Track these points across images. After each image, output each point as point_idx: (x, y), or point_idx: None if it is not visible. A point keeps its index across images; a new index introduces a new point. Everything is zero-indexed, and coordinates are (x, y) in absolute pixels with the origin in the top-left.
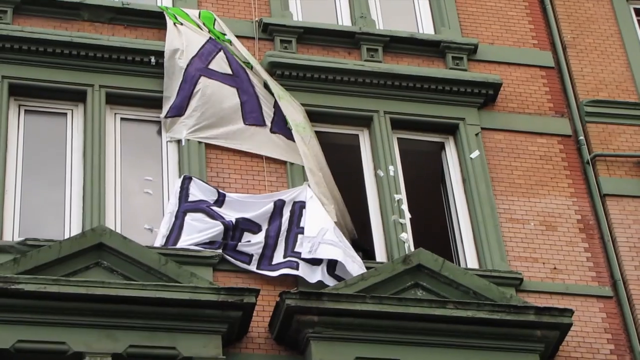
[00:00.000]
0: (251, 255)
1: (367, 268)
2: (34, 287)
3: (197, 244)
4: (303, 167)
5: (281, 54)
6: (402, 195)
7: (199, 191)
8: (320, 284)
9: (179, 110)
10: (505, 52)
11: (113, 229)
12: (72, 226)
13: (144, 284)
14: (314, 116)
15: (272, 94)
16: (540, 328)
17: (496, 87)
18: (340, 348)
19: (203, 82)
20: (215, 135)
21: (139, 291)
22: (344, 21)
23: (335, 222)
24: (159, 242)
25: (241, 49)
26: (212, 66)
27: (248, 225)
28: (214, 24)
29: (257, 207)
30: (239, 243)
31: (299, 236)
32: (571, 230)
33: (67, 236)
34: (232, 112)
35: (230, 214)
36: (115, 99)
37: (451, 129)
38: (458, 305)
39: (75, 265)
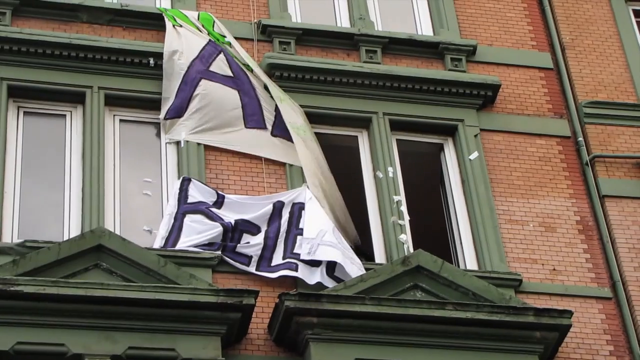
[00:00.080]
0: (250, 257)
1: (367, 269)
2: (33, 288)
3: (196, 246)
4: (302, 167)
5: (280, 55)
6: (401, 197)
7: (198, 193)
8: (320, 285)
9: (178, 112)
10: (504, 54)
11: (112, 231)
12: (71, 228)
13: (143, 286)
14: (313, 118)
15: (273, 97)
16: (540, 329)
17: (495, 88)
18: (340, 349)
19: (204, 84)
20: (215, 138)
21: (138, 293)
22: (343, 23)
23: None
24: (158, 243)
25: (240, 51)
26: (212, 68)
27: (247, 227)
28: (213, 26)
29: (256, 208)
30: (238, 244)
31: (298, 237)
32: (570, 231)
33: (66, 238)
34: (233, 114)
35: (230, 216)
36: (114, 101)
37: (450, 131)
38: (457, 306)
39: (74, 267)
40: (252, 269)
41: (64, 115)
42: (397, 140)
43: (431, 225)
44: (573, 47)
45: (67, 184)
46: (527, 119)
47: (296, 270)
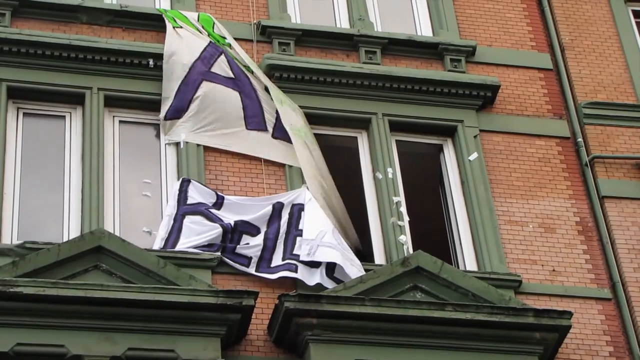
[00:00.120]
0: (250, 258)
1: (366, 270)
2: (32, 290)
3: (195, 247)
4: (301, 168)
5: (279, 56)
6: (401, 198)
7: (197, 194)
8: (319, 286)
9: (178, 113)
10: (504, 54)
11: (112, 232)
12: (71, 229)
13: (142, 287)
14: (312, 118)
15: (273, 99)
16: (539, 330)
17: (494, 89)
18: (339, 350)
19: (205, 86)
20: (216, 139)
21: (138, 294)
22: (342, 23)
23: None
24: (157, 244)
25: (241, 52)
26: (214, 69)
27: (247, 228)
28: (212, 28)
29: (256, 209)
30: (238, 245)
31: (298, 239)
32: (570, 232)
33: (65, 239)
34: (234, 116)
35: (229, 217)
36: (113, 102)
37: (449, 131)
38: (457, 307)
39: (74, 268)
40: (251, 270)
41: (64, 117)
42: (396, 141)
43: (431, 226)
44: (572, 47)
45: (66, 185)
46: (527, 119)
47: (296, 271)
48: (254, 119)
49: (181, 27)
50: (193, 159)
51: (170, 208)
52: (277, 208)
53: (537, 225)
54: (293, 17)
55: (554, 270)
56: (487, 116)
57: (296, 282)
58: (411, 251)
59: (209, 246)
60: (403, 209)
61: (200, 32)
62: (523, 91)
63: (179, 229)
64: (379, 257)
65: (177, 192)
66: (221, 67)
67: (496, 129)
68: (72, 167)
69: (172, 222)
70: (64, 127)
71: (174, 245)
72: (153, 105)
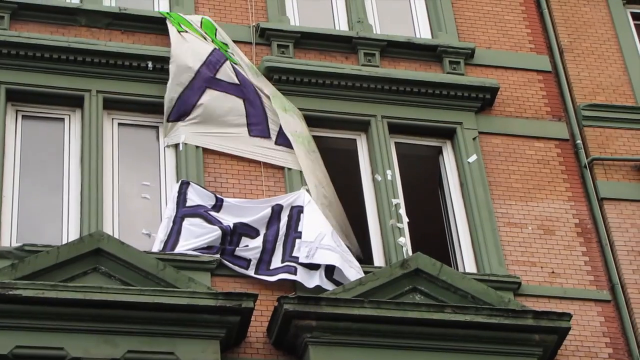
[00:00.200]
0: (249, 260)
1: (365, 272)
2: (32, 292)
3: (195, 249)
4: (301, 171)
5: (278, 58)
6: (400, 200)
7: (196, 196)
8: (319, 288)
9: (180, 116)
10: (503, 57)
11: (111, 234)
12: (70, 231)
13: (142, 289)
14: (311, 121)
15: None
16: (539, 332)
17: (493, 91)
18: (339, 353)
19: (209, 94)
20: (216, 141)
21: (137, 296)
22: (341, 26)
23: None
24: (156, 247)
25: (244, 58)
26: (219, 75)
27: (246, 230)
28: (215, 34)
29: (255, 212)
30: (237, 248)
31: (297, 241)
32: (569, 234)
33: (64, 241)
34: (237, 123)
35: (228, 219)
36: (112, 104)
37: (449, 133)
38: (456, 309)
39: (73, 271)
40: (251, 272)
41: (63, 119)
42: (395, 143)
43: (430, 228)
44: (571, 49)
45: (65, 187)
46: (526, 121)
47: (295, 273)
48: (257, 126)
49: (186, 31)
50: (192, 162)
51: (169, 210)
52: (277, 210)
53: (536, 227)
54: (292, 20)
55: (553, 272)
56: (486, 118)
57: (295, 285)
58: (410, 253)
59: (208, 248)
60: (402, 211)
61: (205, 39)
62: (522, 93)
63: (178, 231)
64: (378, 259)
65: (176, 195)
66: (226, 72)
67: (495, 131)
68: (71, 169)
69: (171, 224)
70: (63, 129)
71: (173, 248)
72: (152, 108)
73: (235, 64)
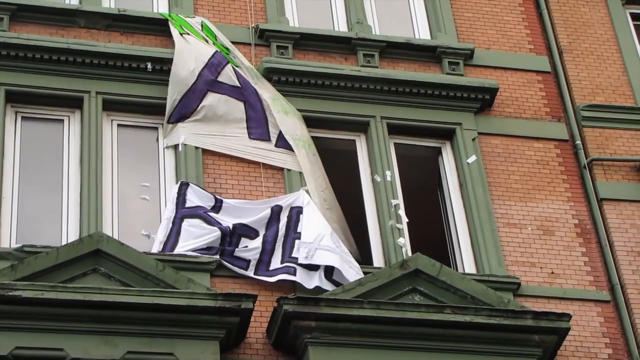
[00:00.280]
0: (248, 261)
1: (365, 273)
2: (31, 293)
3: (194, 250)
4: (300, 172)
5: (277, 59)
6: (399, 201)
7: (196, 197)
8: (318, 289)
9: (181, 118)
10: (502, 57)
11: (110, 235)
12: (70, 232)
13: (141, 290)
14: (310, 122)
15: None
16: (538, 333)
17: (493, 92)
18: (338, 353)
19: (210, 97)
20: (216, 142)
21: (137, 297)
22: (340, 27)
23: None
24: (156, 248)
25: (245, 61)
26: (221, 78)
27: (245, 231)
28: (215, 38)
29: (255, 212)
30: (236, 249)
31: (296, 241)
32: (568, 234)
33: (64, 242)
34: (237, 126)
35: (228, 220)
36: (112, 106)
37: (448, 134)
38: (456, 310)
39: (72, 272)
40: (250, 273)
41: (62, 120)
42: (395, 144)
43: (429, 229)
44: (570, 50)
45: (65, 188)
46: (525, 122)
47: (294, 274)
48: (257, 129)
49: (188, 33)
50: (192, 162)
51: (168, 211)
52: (276, 211)
53: (535, 228)
54: (291, 21)
55: (552, 273)
56: (485, 119)
57: (295, 285)
58: (410, 254)
59: (207, 249)
60: (402, 212)
61: (206, 41)
62: (521, 94)
63: (178, 232)
64: (378, 260)
65: (176, 196)
66: (228, 75)
67: (495, 132)
68: (71, 170)
69: (170, 225)
70: (62, 130)
71: (173, 249)
72: (151, 109)
73: (237, 66)
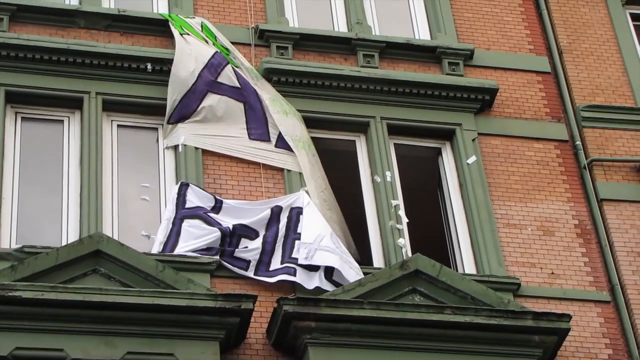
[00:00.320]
0: (248, 262)
1: (365, 274)
2: (31, 294)
3: (194, 251)
4: (300, 173)
5: (277, 60)
6: (399, 201)
7: (196, 198)
8: (318, 289)
9: (181, 119)
10: (502, 58)
11: (110, 236)
12: (70, 233)
13: (141, 291)
14: (310, 122)
15: (278, 111)
16: (538, 333)
17: (492, 92)
18: (338, 354)
19: (210, 98)
20: (216, 142)
21: (137, 298)
22: (340, 27)
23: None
24: (156, 248)
25: (245, 62)
26: (220, 79)
27: (245, 232)
28: (215, 39)
29: (254, 213)
30: (236, 249)
31: (296, 242)
32: (568, 235)
33: (64, 243)
34: (237, 127)
35: (228, 221)
36: (111, 106)
37: (448, 135)
38: (456, 310)
39: (72, 272)
40: (250, 273)
41: (62, 121)
42: (394, 144)
43: (429, 230)
44: (570, 50)
45: (65, 189)
46: (525, 122)
47: (294, 274)
48: (256, 130)
49: (188, 34)
50: (191, 163)
51: (168, 212)
52: (276, 212)
53: (535, 228)
54: (291, 21)
55: (552, 273)
56: (485, 119)
57: (295, 286)
58: (410, 254)
59: (207, 250)
60: (402, 212)
61: (206, 42)
62: (521, 94)
63: (178, 232)
64: (378, 261)
65: (176, 196)
66: (228, 76)
67: (494, 132)
68: (71, 171)
69: (170, 226)
70: (62, 131)
71: (173, 249)
72: (151, 110)
73: (237, 67)
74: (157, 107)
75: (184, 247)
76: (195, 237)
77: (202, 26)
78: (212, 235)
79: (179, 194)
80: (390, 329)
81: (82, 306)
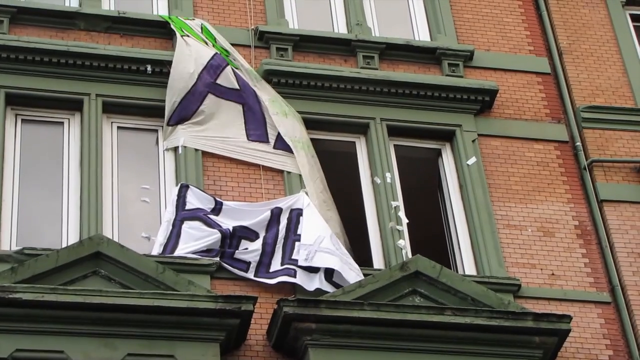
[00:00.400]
0: (249, 263)
1: (365, 275)
2: (31, 296)
3: (194, 252)
4: (300, 174)
5: (277, 61)
6: (399, 202)
7: (196, 199)
8: (318, 291)
9: (181, 120)
10: (502, 59)
11: (110, 238)
12: (70, 235)
13: (141, 293)
14: (310, 124)
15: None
16: (539, 334)
17: (492, 93)
18: (338, 355)
19: (210, 100)
20: (216, 144)
21: (137, 299)
22: (340, 28)
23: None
24: (156, 250)
25: (245, 64)
26: (220, 81)
27: (245, 233)
28: (215, 41)
29: (255, 215)
30: (237, 251)
31: (296, 244)
32: (569, 236)
33: (64, 245)
34: (236, 128)
35: (228, 222)
36: (111, 108)
37: (448, 136)
38: (456, 311)
39: (72, 274)
40: (250, 275)
41: (62, 123)
42: (394, 145)
43: (429, 231)
44: (570, 51)
45: (65, 191)
46: (525, 123)
47: (295, 276)
48: (255, 131)
49: (188, 35)
50: (191, 165)
51: (168, 214)
52: (276, 213)
53: (535, 229)
54: (291, 23)
55: (553, 274)
56: (485, 120)
57: (295, 287)
58: (410, 256)
59: (207, 251)
60: (402, 214)
61: (206, 43)
62: (521, 95)
63: (178, 234)
64: (378, 262)
65: (176, 198)
66: (227, 77)
67: (494, 133)
68: (71, 173)
69: (170, 227)
70: (62, 133)
71: (173, 251)
72: (151, 111)
73: (236, 68)
74: (157, 109)
75: (184, 249)
76: (196, 239)
77: (201, 28)
78: (212, 237)
79: (179, 195)
80: (390, 330)
81: (83, 308)
